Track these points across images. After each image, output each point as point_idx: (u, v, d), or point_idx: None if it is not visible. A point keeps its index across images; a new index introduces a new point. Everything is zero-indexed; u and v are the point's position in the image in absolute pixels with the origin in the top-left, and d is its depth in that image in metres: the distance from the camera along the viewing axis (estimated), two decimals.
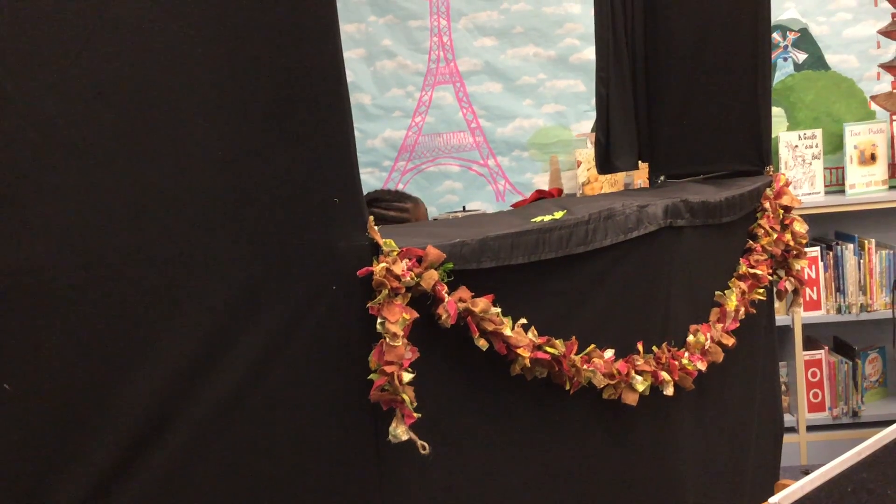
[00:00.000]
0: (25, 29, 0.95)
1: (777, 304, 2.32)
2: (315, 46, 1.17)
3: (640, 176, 3.50)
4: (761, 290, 2.01)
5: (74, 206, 0.99)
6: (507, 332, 1.37)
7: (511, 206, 2.61)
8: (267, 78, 1.12)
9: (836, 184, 3.75)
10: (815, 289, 3.55)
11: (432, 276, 1.26)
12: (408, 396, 1.20)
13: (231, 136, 1.10)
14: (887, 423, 1.65)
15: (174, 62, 1.05)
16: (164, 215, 1.05)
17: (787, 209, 2.13)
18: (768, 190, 2.11)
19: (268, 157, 1.13)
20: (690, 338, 1.78)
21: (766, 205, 2.08)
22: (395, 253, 1.24)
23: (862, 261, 3.53)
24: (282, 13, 1.13)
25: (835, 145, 3.72)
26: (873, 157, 3.63)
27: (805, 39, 3.75)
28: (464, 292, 1.32)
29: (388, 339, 1.19)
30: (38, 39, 0.96)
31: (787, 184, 2.16)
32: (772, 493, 1.31)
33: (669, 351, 1.72)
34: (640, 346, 1.66)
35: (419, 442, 1.22)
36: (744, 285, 1.95)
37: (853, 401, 3.60)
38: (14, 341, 0.97)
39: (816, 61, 3.76)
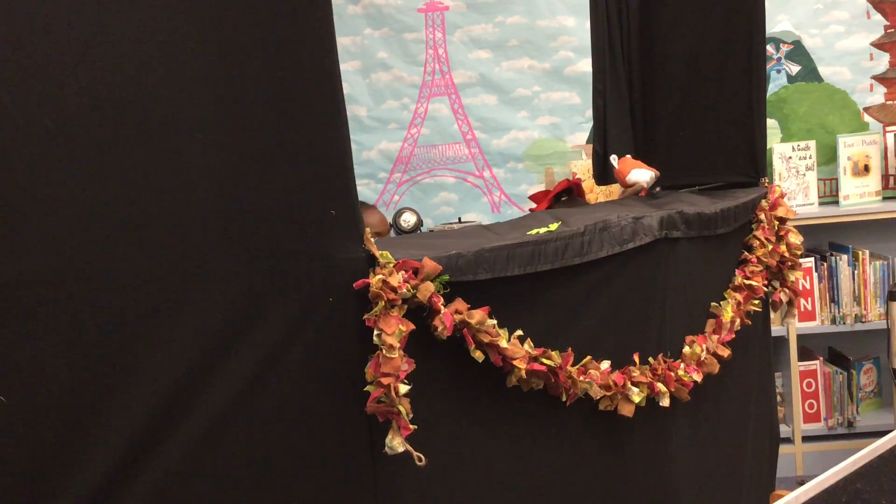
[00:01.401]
0: (23, 42, 0.95)
1: (772, 315, 2.32)
2: (311, 59, 1.17)
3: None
4: (756, 302, 2.01)
5: (71, 218, 0.99)
6: (503, 343, 1.37)
7: (529, 197, 2.58)
8: (263, 91, 1.13)
9: (830, 195, 3.76)
10: (809, 299, 3.55)
11: (428, 287, 1.27)
12: (404, 408, 1.20)
13: (228, 149, 1.10)
14: (882, 434, 1.65)
15: (171, 75, 1.05)
16: (161, 228, 1.05)
17: (783, 220, 2.14)
18: (763, 201, 2.12)
19: (264, 170, 1.13)
20: (686, 349, 1.79)
21: (762, 216, 2.09)
22: (392, 265, 1.24)
23: (856, 271, 3.54)
24: (278, 26, 1.13)
25: (828, 157, 3.74)
26: (867, 169, 3.65)
27: (798, 51, 3.77)
28: (460, 304, 1.32)
29: (384, 351, 1.19)
30: (35, 52, 0.96)
31: (783, 195, 2.17)
32: None
33: (665, 362, 1.72)
34: (636, 358, 1.66)
35: (415, 454, 1.22)
36: (739, 296, 1.96)
37: (848, 411, 3.60)
38: (9, 353, 0.97)
39: (810, 73, 3.77)
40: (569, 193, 2.37)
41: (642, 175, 2.15)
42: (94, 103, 1.00)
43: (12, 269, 0.96)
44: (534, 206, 2.44)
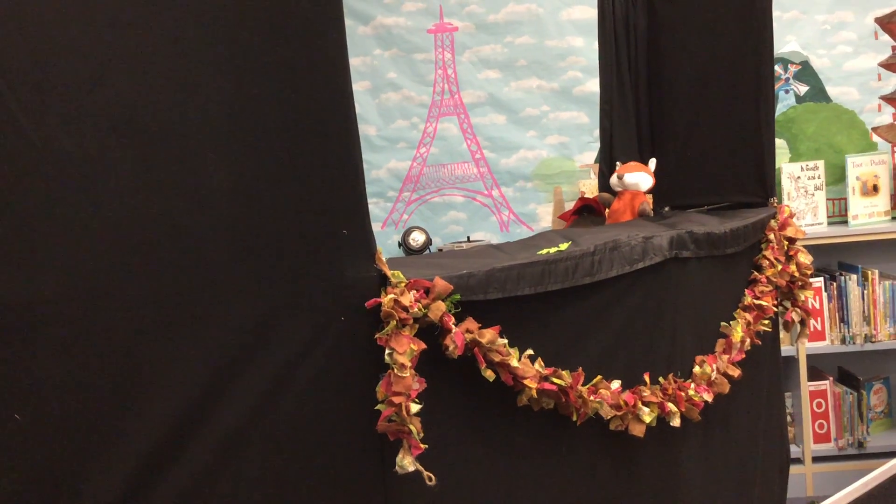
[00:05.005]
0: (40, 63, 0.96)
1: (782, 335, 2.31)
2: (325, 80, 1.19)
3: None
4: (766, 321, 2.01)
5: (86, 237, 1.00)
6: (514, 363, 1.37)
7: (559, 216, 2.63)
8: (277, 111, 1.14)
9: (839, 215, 3.75)
10: (819, 319, 3.54)
11: (440, 307, 1.27)
12: (415, 427, 1.20)
13: (241, 169, 1.11)
14: (893, 455, 1.65)
15: (186, 96, 1.06)
16: (174, 247, 1.06)
17: (792, 240, 2.14)
18: (772, 221, 2.12)
19: (277, 190, 1.14)
20: (697, 369, 1.78)
21: (771, 236, 2.09)
22: (403, 284, 1.25)
23: (866, 291, 3.53)
24: (293, 48, 1.14)
25: (837, 176, 3.74)
26: (875, 189, 3.64)
27: (806, 72, 3.77)
28: (471, 323, 1.32)
29: (395, 370, 1.19)
30: (52, 73, 0.97)
31: (792, 215, 2.17)
32: None
33: (676, 382, 1.72)
34: (646, 377, 1.66)
35: (426, 473, 1.22)
36: (749, 316, 1.95)
37: (858, 432, 3.58)
38: (24, 371, 0.97)
39: (818, 93, 3.78)
40: (589, 210, 2.39)
41: (643, 179, 2.20)
42: (111, 124, 1.01)
43: (28, 288, 0.97)
44: (549, 224, 2.46)
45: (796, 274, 2.11)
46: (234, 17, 1.09)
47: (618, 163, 2.36)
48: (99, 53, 1.00)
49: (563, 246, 1.58)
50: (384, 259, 1.26)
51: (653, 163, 2.27)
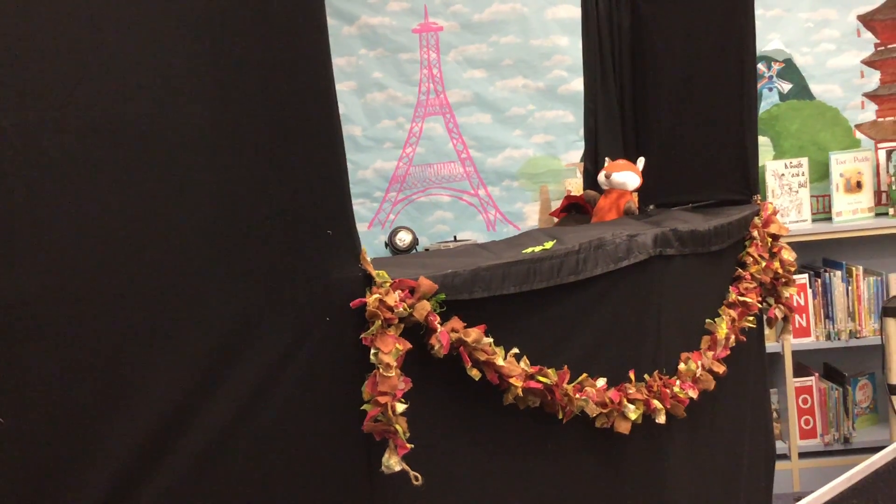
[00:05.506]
0: (21, 64, 0.96)
1: (767, 332, 2.33)
2: (308, 80, 1.18)
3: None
4: (751, 318, 2.02)
5: (69, 239, 0.99)
6: (500, 361, 1.37)
7: (550, 214, 2.63)
8: (260, 111, 1.14)
9: (823, 211, 3.78)
10: (804, 316, 3.56)
11: (425, 306, 1.27)
12: (401, 427, 1.20)
13: (225, 170, 1.11)
14: (879, 449, 1.66)
15: (167, 97, 1.06)
16: (158, 248, 1.06)
17: (776, 237, 2.15)
18: (756, 218, 2.13)
19: (261, 190, 1.14)
20: (682, 366, 1.79)
21: (755, 233, 2.10)
22: (388, 284, 1.25)
23: (850, 287, 3.55)
24: (275, 47, 1.14)
25: (821, 173, 3.76)
26: (859, 185, 3.67)
27: (790, 70, 3.80)
28: (456, 322, 1.32)
29: (381, 370, 1.19)
30: (33, 74, 0.97)
31: (775, 212, 2.18)
32: None
33: (661, 379, 1.72)
34: (631, 375, 1.66)
35: (412, 473, 1.22)
36: (734, 313, 1.96)
37: (844, 427, 3.61)
38: (7, 373, 0.97)
39: (801, 91, 3.80)
40: (577, 209, 2.40)
41: (630, 178, 2.20)
42: (92, 125, 1.00)
43: (11, 290, 0.96)
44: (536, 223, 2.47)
45: (780, 271, 2.12)
46: (215, 17, 1.09)
47: (606, 159, 2.36)
48: (80, 54, 0.99)
49: (548, 244, 1.59)
50: (369, 259, 1.26)
51: (641, 161, 2.28)
